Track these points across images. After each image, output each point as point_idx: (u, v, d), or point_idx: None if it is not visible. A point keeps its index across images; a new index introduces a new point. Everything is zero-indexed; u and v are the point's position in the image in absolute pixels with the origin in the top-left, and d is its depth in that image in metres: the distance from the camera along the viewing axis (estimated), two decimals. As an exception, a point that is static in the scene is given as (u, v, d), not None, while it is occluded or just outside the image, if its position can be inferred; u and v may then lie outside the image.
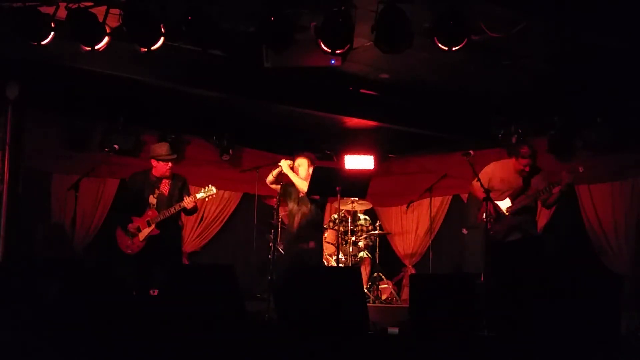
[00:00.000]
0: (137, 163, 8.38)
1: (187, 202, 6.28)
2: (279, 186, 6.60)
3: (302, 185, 6.42)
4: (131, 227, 6.32)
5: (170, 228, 6.40)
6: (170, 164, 6.46)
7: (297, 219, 6.51)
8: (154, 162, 6.47)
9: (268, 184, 6.62)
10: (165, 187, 6.44)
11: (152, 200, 6.39)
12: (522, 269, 5.95)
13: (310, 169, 6.48)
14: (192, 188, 6.75)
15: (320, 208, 6.60)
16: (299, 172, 6.53)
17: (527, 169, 6.06)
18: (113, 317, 4.73)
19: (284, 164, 6.43)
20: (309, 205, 6.50)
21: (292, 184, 6.53)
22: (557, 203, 6.21)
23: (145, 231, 6.28)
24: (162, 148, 6.55)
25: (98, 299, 4.82)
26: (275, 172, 6.51)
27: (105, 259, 7.95)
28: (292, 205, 6.60)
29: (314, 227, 6.54)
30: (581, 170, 5.89)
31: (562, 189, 5.90)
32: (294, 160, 6.58)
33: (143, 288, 6.09)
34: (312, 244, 6.45)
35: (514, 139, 7.91)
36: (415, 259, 9.63)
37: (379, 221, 9.22)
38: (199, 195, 6.35)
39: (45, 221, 7.81)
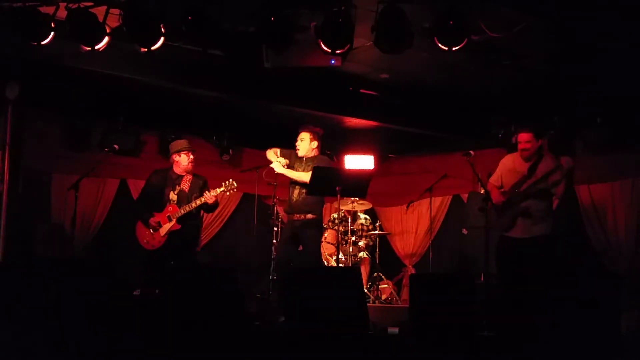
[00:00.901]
0: (137, 163, 8.40)
1: (208, 196, 6.27)
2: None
3: (304, 177, 6.33)
4: (152, 221, 6.31)
5: (191, 223, 6.44)
6: (192, 157, 6.47)
7: (297, 190, 6.45)
8: (175, 158, 6.46)
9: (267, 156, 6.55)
10: (185, 184, 6.43)
11: (173, 196, 6.38)
12: (526, 269, 5.87)
13: (313, 144, 6.46)
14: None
15: None
16: (300, 147, 6.49)
17: (527, 145, 5.95)
18: (113, 317, 4.73)
19: (277, 166, 6.42)
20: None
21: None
22: (566, 191, 6.06)
23: (167, 226, 6.28)
24: (182, 142, 6.58)
25: (98, 299, 4.82)
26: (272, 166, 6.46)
27: (105, 259, 7.97)
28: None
29: (314, 204, 6.46)
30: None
31: (566, 174, 5.83)
32: (297, 135, 6.53)
33: (154, 283, 6.07)
34: (309, 216, 6.42)
35: (514, 139, 7.90)
36: (415, 259, 9.63)
37: (379, 221, 9.22)
38: (219, 190, 6.34)
39: (45, 221, 7.81)
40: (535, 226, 5.93)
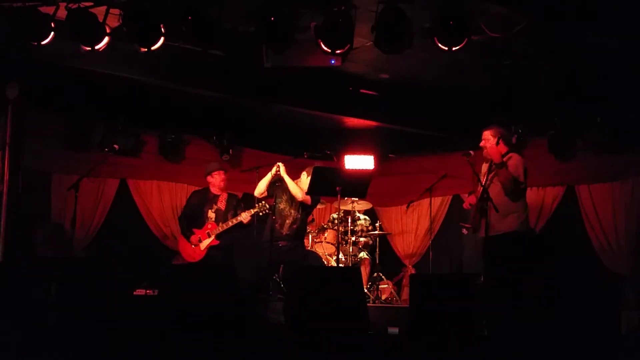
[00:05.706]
0: (137, 163, 8.39)
1: (244, 216, 6.88)
2: (265, 193, 6.86)
3: (297, 191, 6.69)
4: (194, 238, 6.97)
5: (228, 237, 7.01)
6: (223, 175, 7.14)
7: (288, 221, 6.82)
8: (209, 179, 7.16)
9: (258, 195, 6.87)
10: (222, 203, 7.11)
11: (211, 214, 7.06)
12: (504, 266, 5.76)
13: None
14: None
15: (307, 214, 7.06)
16: (302, 179, 6.85)
17: (483, 143, 5.89)
18: (113, 316, 4.74)
19: (282, 167, 6.59)
20: (300, 210, 6.84)
21: (283, 187, 6.80)
22: (509, 190, 5.78)
23: (206, 241, 6.94)
24: (213, 164, 7.32)
25: (98, 298, 4.83)
26: (270, 174, 6.73)
27: (105, 259, 7.96)
28: (283, 205, 6.82)
29: (302, 232, 7.02)
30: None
31: (503, 179, 5.72)
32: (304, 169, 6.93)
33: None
34: (297, 242, 6.93)
35: (514, 139, 7.90)
36: (415, 259, 9.62)
37: (379, 221, 9.22)
38: (253, 210, 6.87)
39: (45, 221, 7.80)
40: (497, 224, 5.75)
